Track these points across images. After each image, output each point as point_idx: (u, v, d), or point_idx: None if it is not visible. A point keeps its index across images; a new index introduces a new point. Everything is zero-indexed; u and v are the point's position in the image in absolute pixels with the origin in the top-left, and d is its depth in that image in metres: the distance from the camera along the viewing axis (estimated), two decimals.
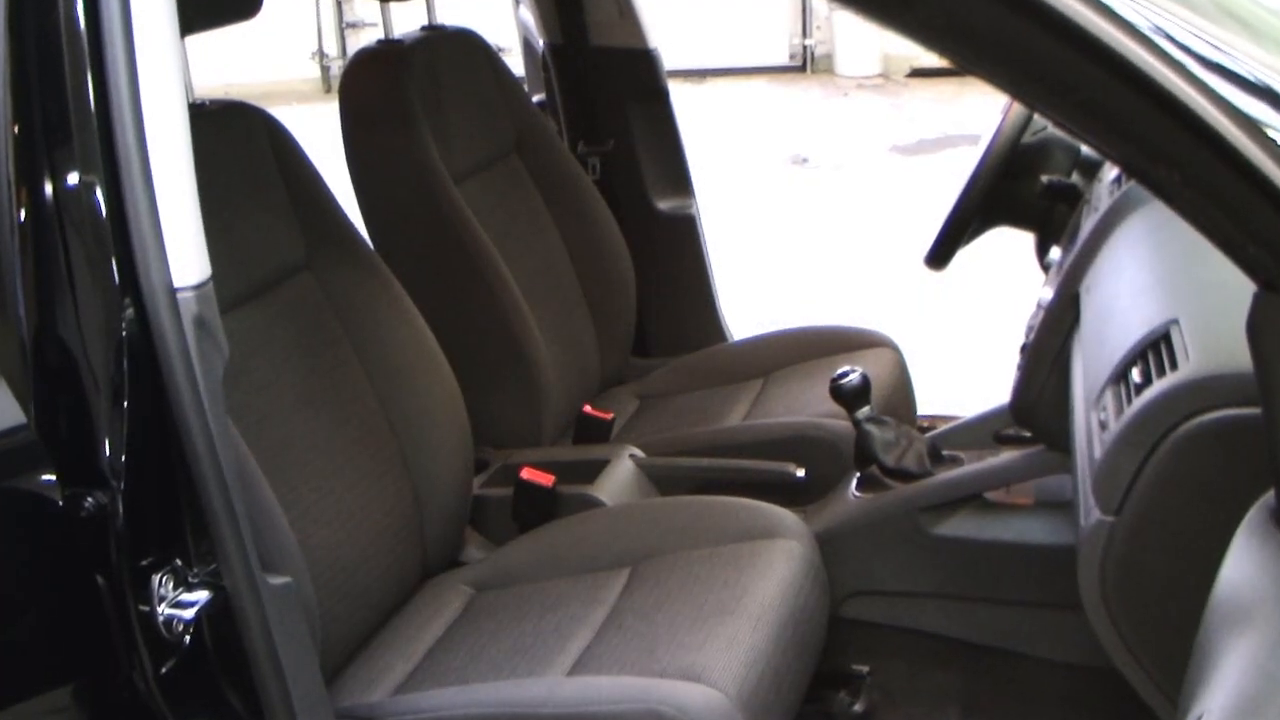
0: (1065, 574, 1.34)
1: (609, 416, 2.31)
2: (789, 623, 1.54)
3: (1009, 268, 2.78)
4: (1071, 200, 1.92)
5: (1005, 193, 1.93)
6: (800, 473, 2.04)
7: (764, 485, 2.00)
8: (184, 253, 1.10)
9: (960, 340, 3.79)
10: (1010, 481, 1.80)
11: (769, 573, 1.60)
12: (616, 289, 2.49)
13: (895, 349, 2.39)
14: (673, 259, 2.71)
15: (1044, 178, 1.96)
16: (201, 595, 1.13)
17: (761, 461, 2.07)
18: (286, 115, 1.84)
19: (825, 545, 1.76)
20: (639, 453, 2.13)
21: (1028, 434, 1.81)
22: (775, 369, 2.44)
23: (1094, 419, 1.29)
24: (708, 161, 4.49)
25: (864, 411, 1.87)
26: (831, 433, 2.07)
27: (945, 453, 1.91)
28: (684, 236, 2.71)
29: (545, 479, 1.98)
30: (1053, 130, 1.98)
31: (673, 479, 2.09)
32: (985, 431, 1.96)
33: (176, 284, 1.10)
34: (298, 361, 1.65)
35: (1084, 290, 1.56)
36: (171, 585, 1.12)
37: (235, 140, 1.65)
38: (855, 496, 1.90)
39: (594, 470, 2.05)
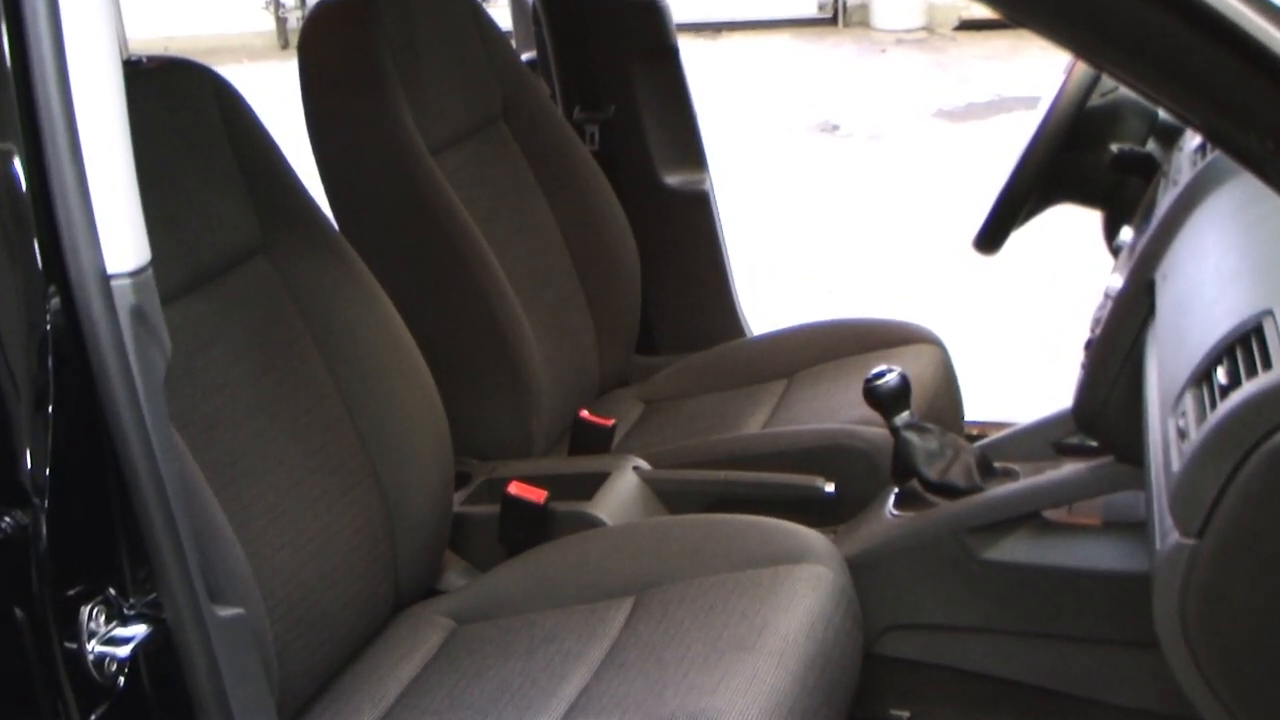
0: (1138, 606, 1.33)
1: (609, 423, 2.31)
2: (816, 660, 1.54)
3: (1072, 251, 2.78)
4: (1146, 173, 1.91)
5: (1068, 165, 1.93)
6: (830, 488, 2.03)
7: (788, 502, 2.00)
8: (118, 234, 1.10)
9: (1014, 335, 3.80)
10: (1073, 499, 1.80)
11: (793, 603, 1.60)
12: (618, 278, 2.49)
13: (939, 345, 2.39)
14: (683, 243, 2.71)
15: (1114, 147, 1.95)
16: (138, 630, 1.13)
17: (785, 475, 2.07)
18: (237, 75, 1.84)
19: (858, 571, 1.76)
20: (644, 464, 2.13)
21: (1093, 443, 1.80)
22: (800, 369, 2.43)
23: (1171, 426, 1.28)
24: (723, 130, 4.50)
25: (903, 417, 1.87)
26: (866, 441, 2.07)
27: (997, 465, 1.90)
28: (695, 217, 2.70)
29: (536, 495, 1.98)
30: (1124, 92, 1.97)
31: (682, 495, 2.09)
32: (1044, 440, 1.96)
33: (110, 270, 1.10)
34: (251, 359, 1.65)
35: (1160, 277, 1.56)
36: (103, 619, 1.12)
37: (177, 103, 1.65)
38: (893, 515, 1.89)
39: (592, 485, 2.05)
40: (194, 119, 1.66)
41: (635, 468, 2.11)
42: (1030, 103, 2.05)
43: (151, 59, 1.66)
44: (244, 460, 1.58)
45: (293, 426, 1.67)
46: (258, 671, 1.23)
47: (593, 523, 1.96)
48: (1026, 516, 1.81)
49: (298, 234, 1.75)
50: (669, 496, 2.09)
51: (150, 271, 1.13)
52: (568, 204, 2.45)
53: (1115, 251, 1.91)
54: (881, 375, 1.89)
